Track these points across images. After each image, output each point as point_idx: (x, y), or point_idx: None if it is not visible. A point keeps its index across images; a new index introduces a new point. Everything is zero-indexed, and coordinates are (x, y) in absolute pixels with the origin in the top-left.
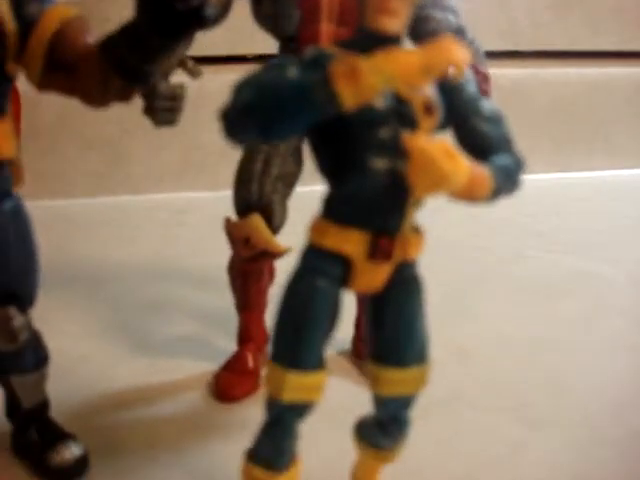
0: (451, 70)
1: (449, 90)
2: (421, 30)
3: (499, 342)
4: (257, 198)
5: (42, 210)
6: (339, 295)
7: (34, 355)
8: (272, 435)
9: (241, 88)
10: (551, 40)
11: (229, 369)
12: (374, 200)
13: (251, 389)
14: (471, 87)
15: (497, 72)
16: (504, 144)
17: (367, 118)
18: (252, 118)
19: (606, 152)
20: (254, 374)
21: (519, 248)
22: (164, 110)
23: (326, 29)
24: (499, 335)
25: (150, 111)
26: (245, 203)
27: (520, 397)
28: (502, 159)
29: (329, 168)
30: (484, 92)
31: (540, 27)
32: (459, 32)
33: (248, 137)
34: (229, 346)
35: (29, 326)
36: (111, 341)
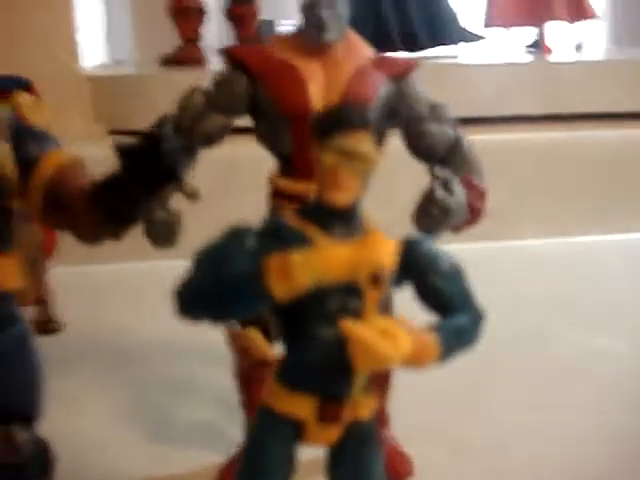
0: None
1: (407, 247)
2: (419, 145)
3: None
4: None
5: (72, 276)
6: (293, 450)
7: (40, 465)
8: None
9: (196, 265)
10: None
11: (231, 465)
12: (323, 368)
13: None
14: (427, 244)
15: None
16: (461, 301)
17: (314, 291)
18: (200, 301)
19: None
20: None
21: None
22: (160, 235)
23: None
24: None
25: (148, 235)
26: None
27: None
28: (458, 319)
29: (282, 335)
30: (477, 210)
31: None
32: (456, 144)
33: (198, 317)
34: (239, 434)
35: (33, 439)
36: (130, 425)
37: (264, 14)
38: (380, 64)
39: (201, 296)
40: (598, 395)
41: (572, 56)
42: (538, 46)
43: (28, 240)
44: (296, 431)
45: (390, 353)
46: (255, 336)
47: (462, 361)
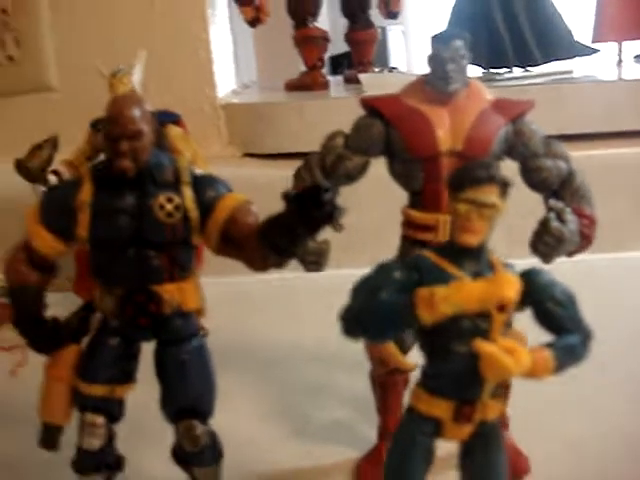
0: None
1: (527, 278)
2: (534, 179)
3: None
4: None
5: (224, 286)
6: (433, 443)
7: (212, 453)
8: None
9: (354, 294)
10: None
11: (367, 460)
12: (458, 377)
13: None
14: (545, 274)
15: None
16: (573, 323)
17: (454, 316)
18: (360, 324)
19: None
20: None
21: None
22: (312, 263)
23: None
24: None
25: (302, 262)
26: None
27: None
28: (569, 339)
29: (424, 350)
30: (588, 236)
31: None
32: (569, 175)
33: (359, 337)
34: (373, 434)
35: (208, 432)
36: (275, 424)
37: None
38: (499, 107)
39: (359, 320)
40: None
41: None
42: None
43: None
44: (435, 428)
45: (513, 367)
46: (390, 347)
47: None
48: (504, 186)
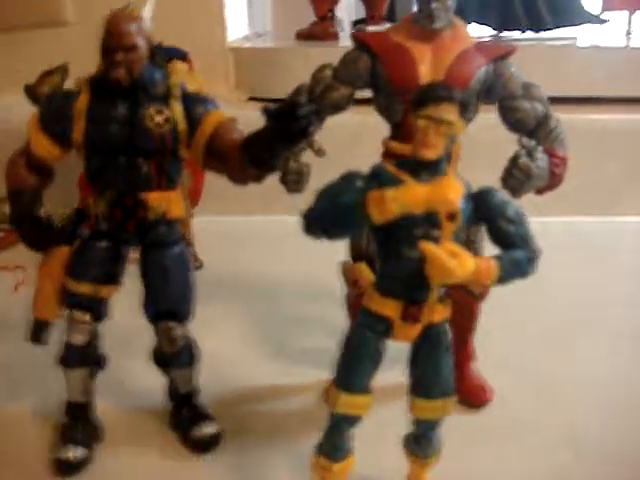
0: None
1: (478, 196)
2: (510, 118)
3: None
4: (365, 251)
5: (218, 225)
6: (382, 344)
7: (188, 355)
8: (331, 436)
9: (318, 197)
10: None
11: None
12: (407, 279)
13: None
14: (498, 193)
15: None
16: (522, 242)
17: (406, 221)
18: (319, 223)
19: None
20: None
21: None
22: (292, 182)
23: None
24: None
25: (283, 182)
26: (357, 253)
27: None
28: (516, 253)
29: (379, 253)
30: (558, 175)
31: None
32: (545, 118)
33: (319, 235)
34: None
35: (185, 335)
36: (256, 348)
37: None
38: (481, 49)
39: (319, 220)
40: None
41: None
42: None
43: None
44: (386, 328)
45: (456, 269)
46: (363, 269)
47: (550, 311)
48: (462, 106)
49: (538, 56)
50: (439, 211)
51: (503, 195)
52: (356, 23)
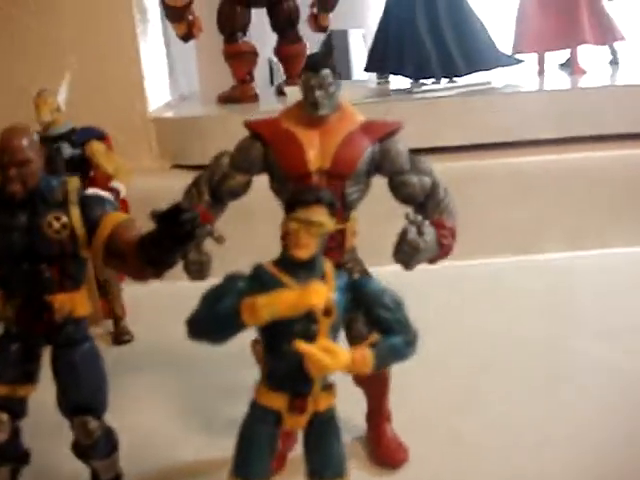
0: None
1: (355, 287)
2: (399, 193)
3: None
4: None
5: (148, 292)
6: (275, 431)
7: (107, 446)
8: None
9: (201, 300)
10: None
11: None
12: (289, 374)
13: (278, 467)
14: (374, 284)
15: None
16: (400, 327)
17: (285, 319)
18: (202, 329)
19: None
20: (281, 455)
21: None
22: (194, 271)
23: None
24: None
25: (186, 271)
26: None
27: None
28: (393, 339)
29: (265, 350)
30: (446, 246)
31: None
32: (432, 190)
33: (202, 339)
34: None
35: (101, 427)
36: (183, 421)
37: (336, 24)
38: (367, 129)
39: (200, 325)
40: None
41: (599, 78)
42: (570, 65)
43: (102, 271)
44: (276, 418)
45: (330, 364)
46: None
47: (463, 364)
48: (331, 206)
49: (453, 105)
50: (316, 308)
51: (377, 283)
52: (278, 85)
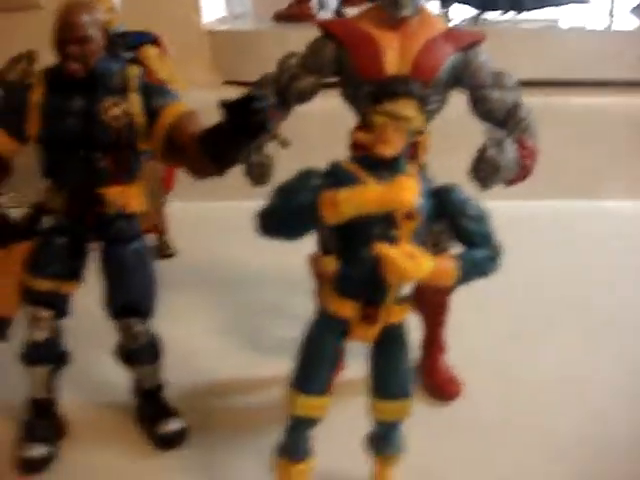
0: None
1: (440, 193)
2: (479, 109)
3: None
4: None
5: (195, 211)
6: (340, 344)
7: (152, 352)
8: (290, 438)
9: (274, 195)
10: None
11: None
12: (364, 280)
13: None
14: (460, 192)
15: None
16: (483, 240)
17: (363, 221)
18: (273, 223)
19: None
20: None
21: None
22: (256, 175)
23: None
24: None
25: (246, 174)
26: (324, 246)
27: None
28: (477, 253)
29: (337, 254)
30: (527, 167)
31: None
32: (514, 109)
33: (272, 234)
34: None
35: (148, 331)
36: (227, 338)
37: None
38: (449, 37)
39: (274, 219)
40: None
41: None
42: None
43: (151, 175)
44: (344, 328)
45: (412, 270)
46: (328, 262)
47: (522, 307)
48: (421, 100)
49: (519, 38)
50: (397, 209)
51: (463, 192)
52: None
